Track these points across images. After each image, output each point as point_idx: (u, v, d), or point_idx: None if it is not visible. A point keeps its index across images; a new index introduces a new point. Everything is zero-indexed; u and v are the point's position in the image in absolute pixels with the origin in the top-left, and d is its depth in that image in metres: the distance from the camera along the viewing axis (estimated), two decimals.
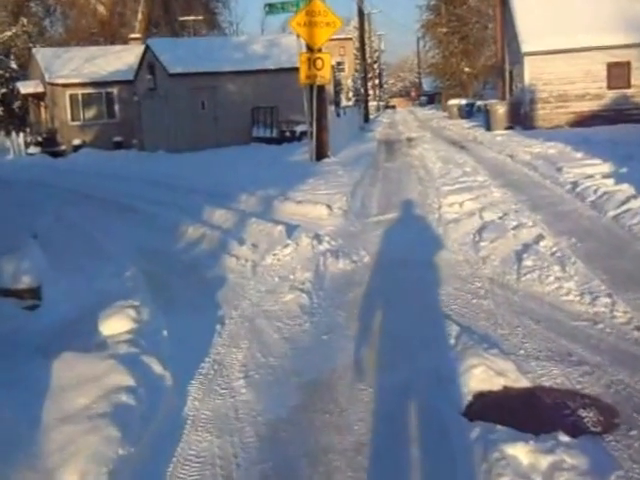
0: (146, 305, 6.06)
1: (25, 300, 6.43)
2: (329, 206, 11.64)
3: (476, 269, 7.59)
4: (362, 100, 46.50)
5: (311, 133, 19.20)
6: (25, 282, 6.40)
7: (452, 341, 5.37)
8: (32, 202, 15.52)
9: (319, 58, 18.78)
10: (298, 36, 19.06)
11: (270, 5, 19.79)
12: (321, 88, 19.33)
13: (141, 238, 10.89)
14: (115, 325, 5.42)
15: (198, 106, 30.48)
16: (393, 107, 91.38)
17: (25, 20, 43.53)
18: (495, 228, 9.35)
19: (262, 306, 6.90)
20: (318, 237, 9.31)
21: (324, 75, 18.80)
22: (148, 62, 31.30)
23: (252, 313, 6.67)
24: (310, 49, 18.94)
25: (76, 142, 34.00)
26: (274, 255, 8.72)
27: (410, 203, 12.35)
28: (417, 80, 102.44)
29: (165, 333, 5.64)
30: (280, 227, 9.78)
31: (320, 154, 19.14)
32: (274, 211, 12.06)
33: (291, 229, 9.92)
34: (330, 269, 8.03)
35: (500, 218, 10.00)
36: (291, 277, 7.82)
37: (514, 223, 9.55)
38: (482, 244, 8.56)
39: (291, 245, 8.96)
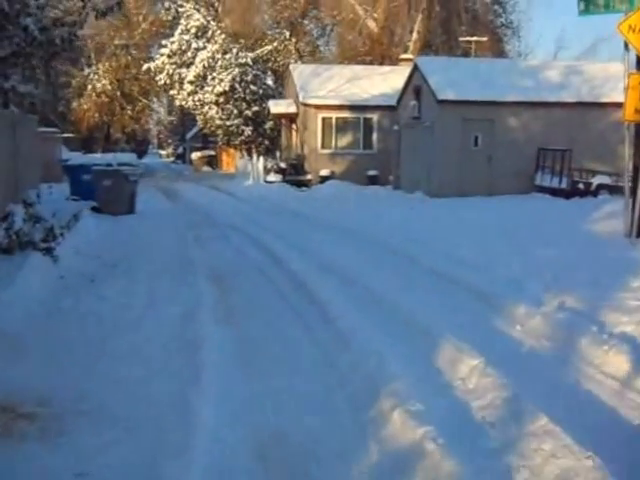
0: None
1: None
2: None
3: None
4: None
5: (631, 192, 12.56)
6: None
7: None
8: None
9: None
10: (627, 47, 12.53)
11: (587, 3, 13.38)
12: None
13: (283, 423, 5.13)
14: None
15: (470, 142, 24.55)
16: None
17: (288, 33, 40.19)
18: None
19: None
20: None
21: None
22: (414, 85, 25.87)
23: None
24: None
25: (324, 172, 29.28)
26: None
27: None
28: None
29: None
30: None
31: None
32: (581, 362, 5.90)
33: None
34: None
35: None
36: None
37: None
38: None
39: None
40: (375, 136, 30.49)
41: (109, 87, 44.82)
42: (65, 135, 36.03)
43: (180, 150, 73.41)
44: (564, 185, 22.88)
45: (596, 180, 22.37)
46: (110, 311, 7.57)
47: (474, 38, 35.39)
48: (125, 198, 18.01)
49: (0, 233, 9.66)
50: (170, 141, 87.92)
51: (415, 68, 26.03)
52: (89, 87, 44.33)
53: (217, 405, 5.02)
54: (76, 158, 22.09)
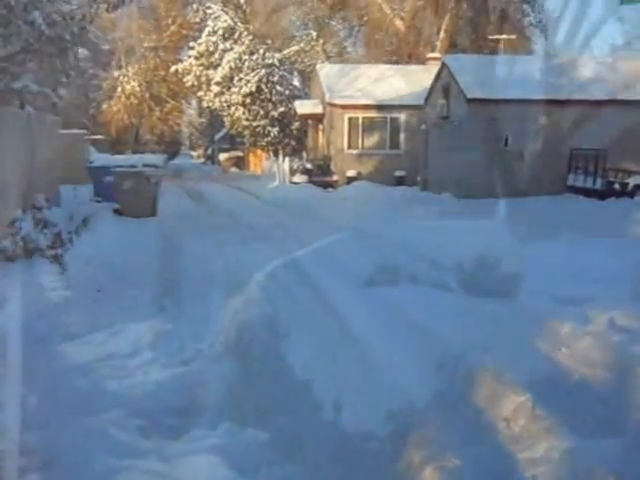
0: None
1: None
2: None
3: None
4: None
5: None
6: None
7: None
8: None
9: None
10: None
11: None
12: None
13: None
14: None
15: (500, 141, 23.91)
16: None
17: (315, 34, 39.89)
18: None
19: None
20: None
21: None
22: (442, 83, 25.35)
23: None
24: None
25: (350, 173, 28.91)
26: None
27: None
28: None
29: None
30: None
31: None
32: None
33: None
34: None
35: None
36: None
37: None
38: None
39: None
40: (402, 136, 30.04)
41: (138, 89, 44.80)
42: (95, 137, 35.91)
43: (209, 151, 73.49)
44: (598, 186, 22.20)
45: (633, 180, 21.64)
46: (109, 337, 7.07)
47: (503, 36, 34.65)
48: (147, 200, 17.68)
49: (7, 239, 9.27)
50: (201, 142, 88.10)
51: (443, 66, 25.51)
52: (118, 89, 44.32)
53: None
54: (100, 159, 21.77)
